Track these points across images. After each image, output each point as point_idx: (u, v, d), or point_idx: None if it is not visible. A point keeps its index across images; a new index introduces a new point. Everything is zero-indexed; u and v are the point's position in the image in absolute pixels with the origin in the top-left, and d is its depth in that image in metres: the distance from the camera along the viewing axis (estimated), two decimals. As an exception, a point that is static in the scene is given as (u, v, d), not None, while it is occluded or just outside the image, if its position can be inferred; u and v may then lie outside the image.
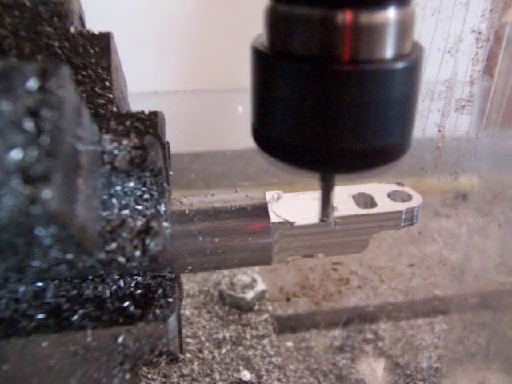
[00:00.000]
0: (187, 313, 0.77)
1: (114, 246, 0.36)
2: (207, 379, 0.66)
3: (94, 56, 0.44)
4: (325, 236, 0.47)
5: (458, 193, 0.89)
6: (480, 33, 0.64)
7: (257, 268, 0.84)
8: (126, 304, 0.39)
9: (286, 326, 0.80)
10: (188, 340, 0.72)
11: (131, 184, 0.38)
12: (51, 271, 0.38)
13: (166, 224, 0.40)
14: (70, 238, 0.29)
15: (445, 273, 0.90)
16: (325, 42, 0.30)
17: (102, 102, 0.42)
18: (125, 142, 0.38)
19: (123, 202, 0.38)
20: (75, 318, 0.38)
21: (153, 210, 0.39)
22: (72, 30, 0.44)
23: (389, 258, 0.94)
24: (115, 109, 0.43)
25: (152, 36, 1.14)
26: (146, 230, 0.37)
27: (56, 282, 0.40)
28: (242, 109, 1.15)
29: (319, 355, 0.75)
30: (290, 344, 0.76)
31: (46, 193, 0.25)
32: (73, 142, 0.29)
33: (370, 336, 0.78)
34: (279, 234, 0.46)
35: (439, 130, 0.71)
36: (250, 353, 0.70)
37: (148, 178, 0.39)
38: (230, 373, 0.67)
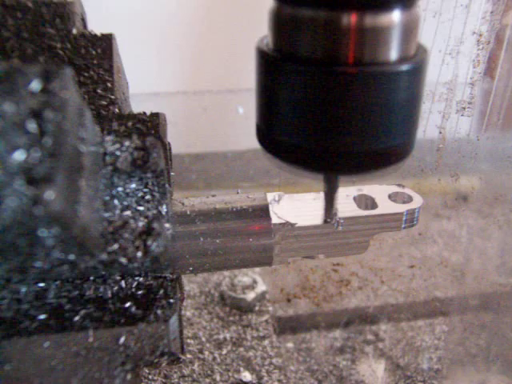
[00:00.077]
0: (188, 314, 0.77)
1: (115, 246, 0.37)
2: (208, 380, 0.66)
3: (96, 57, 0.44)
4: (326, 237, 0.47)
5: (458, 194, 0.89)
6: (481, 35, 0.64)
7: (257, 269, 0.84)
8: (128, 305, 0.40)
9: (287, 326, 0.80)
10: (189, 341, 0.72)
11: (133, 185, 0.39)
12: (53, 272, 0.38)
13: (167, 225, 0.40)
14: (72, 239, 0.30)
15: (445, 274, 0.90)
16: (330, 45, 0.30)
17: (104, 103, 0.43)
18: (127, 143, 0.38)
19: (125, 203, 0.38)
20: (77, 318, 0.38)
21: (154, 211, 0.39)
22: (74, 31, 0.44)
23: (389, 260, 0.94)
24: (117, 110, 0.43)
25: (153, 37, 1.14)
26: (148, 231, 0.38)
27: (58, 282, 0.40)
28: (243, 110, 1.15)
29: (320, 356, 0.75)
30: (290, 345, 0.77)
31: (49, 194, 0.25)
32: (75, 143, 0.30)
33: (370, 337, 0.78)
34: (280, 235, 0.46)
35: (440, 132, 0.71)
36: (251, 354, 0.71)
37: (150, 179, 0.39)
38: (230, 374, 0.68)
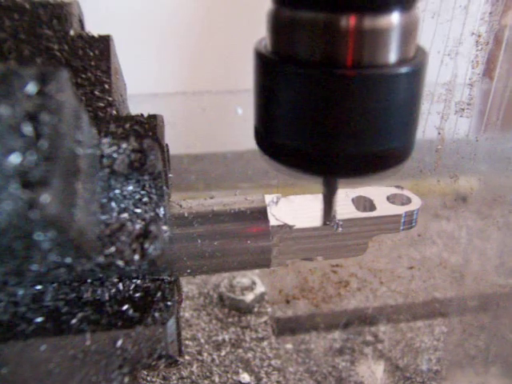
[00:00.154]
0: (186, 315, 0.77)
1: (112, 249, 0.36)
2: (206, 381, 0.66)
3: (93, 59, 0.44)
4: (324, 239, 0.47)
5: (457, 195, 0.89)
6: (480, 35, 0.64)
7: (256, 270, 0.84)
8: (125, 307, 0.39)
9: (286, 328, 0.80)
10: (187, 342, 0.72)
11: (130, 187, 0.38)
12: (50, 275, 0.38)
13: (165, 227, 0.40)
14: (69, 242, 0.29)
15: (444, 275, 0.90)
16: (328, 47, 0.30)
17: (102, 105, 0.42)
18: (124, 145, 0.38)
19: (122, 205, 0.38)
20: (74, 321, 0.38)
21: (152, 214, 0.39)
22: (71, 32, 0.44)
23: (388, 261, 0.94)
24: (114, 112, 0.43)
25: (152, 37, 1.14)
26: (145, 234, 0.37)
27: (55, 285, 0.40)
28: (242, 111, 1.15)
29: (319, 357, 0.74)
30: (289, 346, 0.76)
31: (45, 197, 0.25)
32: (72, 146, 0.29)
33: (369, 338, 0.78)
34: (278, 237, 0.46)
35: (439, 133, 0.71)
36: (250, 355, 0.70)
37: (147, 181, 0.39)
38: (229, 375, 0.67)
